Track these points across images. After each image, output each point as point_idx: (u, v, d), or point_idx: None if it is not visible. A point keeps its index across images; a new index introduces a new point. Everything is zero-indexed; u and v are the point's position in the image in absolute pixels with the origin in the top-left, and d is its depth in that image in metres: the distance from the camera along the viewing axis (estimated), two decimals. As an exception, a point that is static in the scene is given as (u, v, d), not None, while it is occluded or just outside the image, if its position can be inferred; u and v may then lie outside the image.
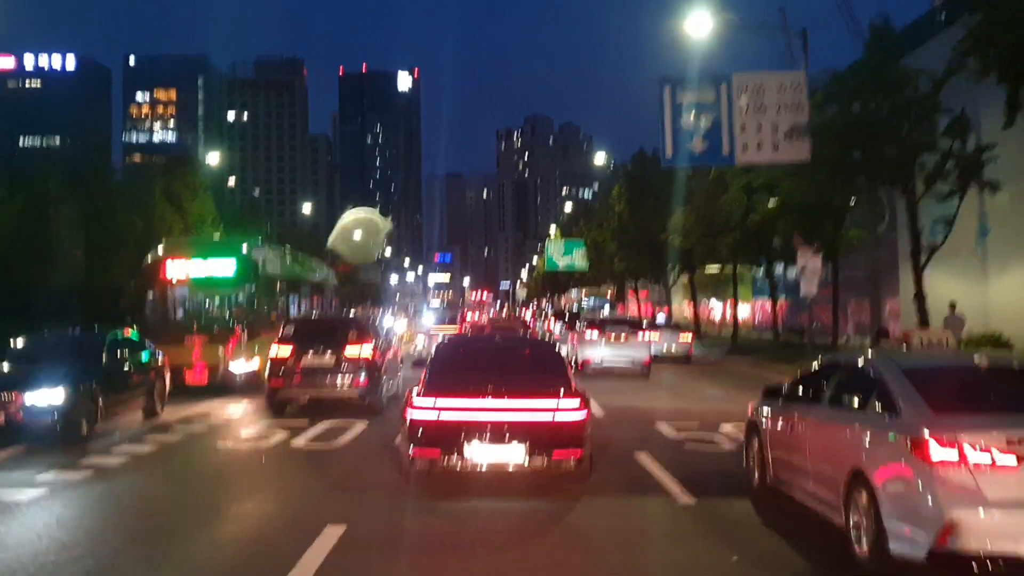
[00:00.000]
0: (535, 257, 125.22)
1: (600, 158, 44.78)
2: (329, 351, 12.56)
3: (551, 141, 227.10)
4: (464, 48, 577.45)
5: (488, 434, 7.15)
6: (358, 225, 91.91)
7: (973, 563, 4.49)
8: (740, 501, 6.99)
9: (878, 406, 5.30)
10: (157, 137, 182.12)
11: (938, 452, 4.61)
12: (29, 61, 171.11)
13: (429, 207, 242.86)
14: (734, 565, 5.42)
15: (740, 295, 39.50)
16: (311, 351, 12.59)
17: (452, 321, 33.53)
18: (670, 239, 30.85)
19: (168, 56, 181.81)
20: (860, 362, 5.91)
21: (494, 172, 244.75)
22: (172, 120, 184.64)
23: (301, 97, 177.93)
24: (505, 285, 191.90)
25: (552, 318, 39.50)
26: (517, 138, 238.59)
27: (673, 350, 23.75)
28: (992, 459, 4.51)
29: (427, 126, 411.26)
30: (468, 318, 40.59)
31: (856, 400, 5.64)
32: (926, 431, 4.70)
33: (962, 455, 4.56)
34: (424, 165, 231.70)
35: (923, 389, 5.09)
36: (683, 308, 47.99)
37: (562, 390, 7.45)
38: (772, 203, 21.10)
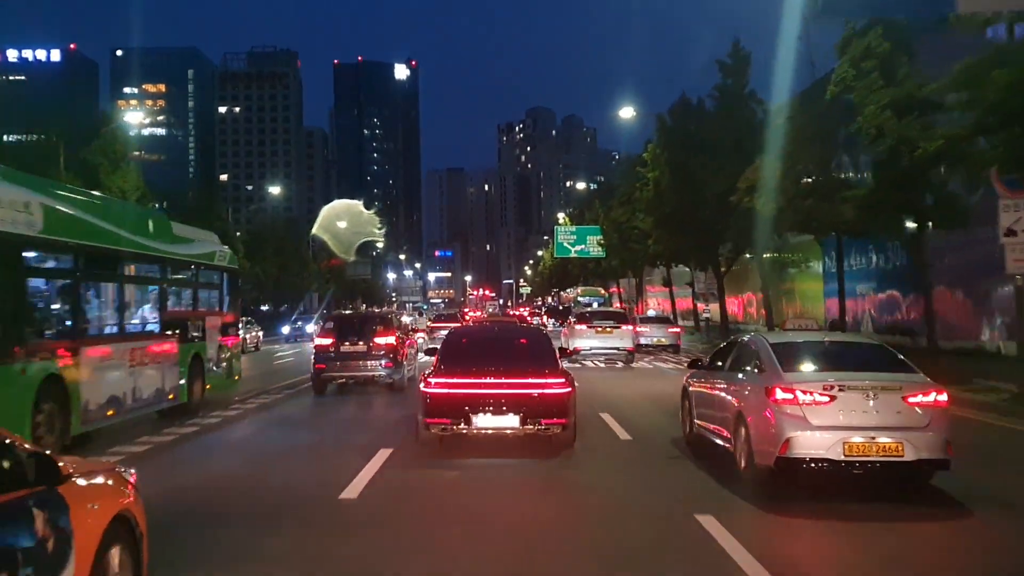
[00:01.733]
0: (540, 251, 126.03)
1: (627, 112, 34.51)
2: (362, 341, 16.44)
3: (554, 134, 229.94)
4: (462, 39, 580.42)
5: (489, 406, 9.22)
6: (342, 215, 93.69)
7: (804, 463, 7.42)
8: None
9: (753, 369, 8.26)
10: (146, 132, 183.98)
11: (781, 396, 7.53)
12: (12, 54, 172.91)
13: (429, 202, 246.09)
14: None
15: (801, 289, 33.80)
16: (347, 341, 16.48)
17: (452, 319, 37.47)
18: (745, 203, 23.15)
19: (157, 49, 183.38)
20: (747, 340, 8.91)
21: (495, 166, 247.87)
22: (161, 114, 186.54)
23: (295, 89, 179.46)
24: (508, 282, 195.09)
25: (546, 315, 44.36)
26: (519, 131, 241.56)
27: (664, 340, 27.24)
28: (814, 399, 7.43)
29: (426, 119, 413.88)
30: (468, 316, 44.04)
31: (743, 366, 8.60)
32: (775, 382, 7.64)
33: (795, 397, 7.48)
34: (423, 159, 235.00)
35: (780, 357, 8.04)
36: (743, 302, 41.79)
37: (550, 371, 9.55)
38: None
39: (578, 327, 24.16)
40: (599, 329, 23.62)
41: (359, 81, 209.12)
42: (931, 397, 7.43)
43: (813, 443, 7.34)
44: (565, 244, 56.14)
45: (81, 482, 3.85)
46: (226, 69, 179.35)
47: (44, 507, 3.48)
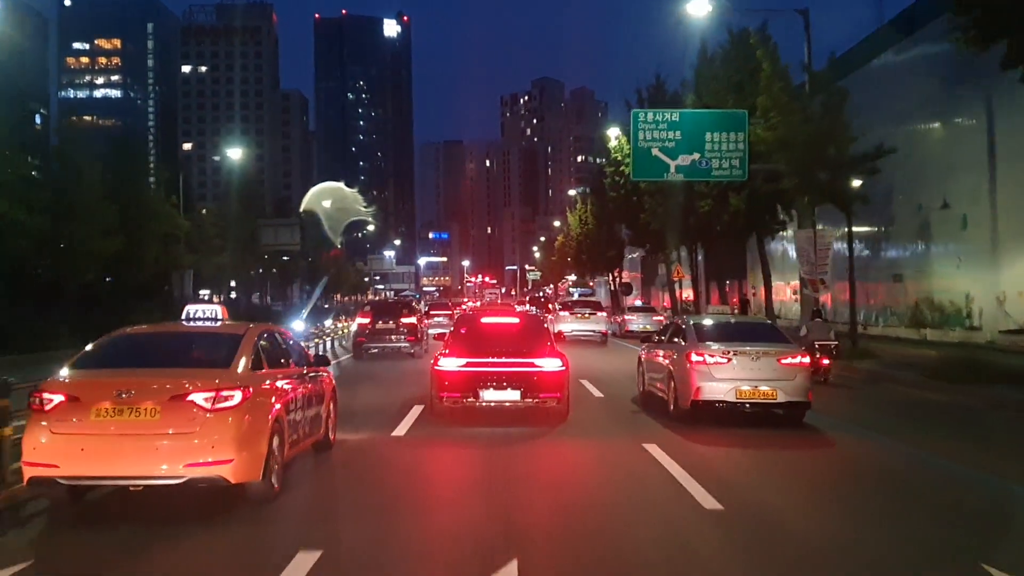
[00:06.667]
0: (556, 222, 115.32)
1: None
2: (392, 320, 25.12)
3: (562, 107, 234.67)
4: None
5: (494, 383, 12.35)
6: (326, 195, 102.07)
7: (711, 405, 12.67)
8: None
9: (681, 340, 13.56)
10: (99, 93, 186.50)
11: (695, 358, 12.78)
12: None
13: (422, 178, 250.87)
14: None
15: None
16: (381, 320, 25.19)
17: (445, 308, 44.26)
18: None
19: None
20: (679, 321, 14.26)
21: (498, 140, 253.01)
22: (117, 74, 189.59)
23: (270, 47, 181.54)
24: (511, 268, 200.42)
25: (529, 303, 55.23)
26: (524, 103, 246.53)
27: (649, 327, 33.59)
28: (716, 360, 12.67)
29: (419, 84, 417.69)
30: (463, 307, 50.15)
31: (675, 338, 13.91)
32: (691, 349, 12.92)
33: (705, 359, 12.73)
34: (416, 129, 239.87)
35: (699, 332, 13.35)
36: None
37: (546, 352, 12.82)
38: None
39: (562, 313, 33.09)
40: (579, 316, 32.62)
41: (343, 38, 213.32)
42: (797, 360, 12.69)
43: (716, 390, 12.61)
44: (656, 153, 28.31)
45: (324, 366, 10.15)
46: (191, 23, 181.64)
47: (322, 376, 9.85)
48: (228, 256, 55.40)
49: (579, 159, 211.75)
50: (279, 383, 8.32)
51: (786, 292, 41.14)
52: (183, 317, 9.32)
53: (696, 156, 27.79)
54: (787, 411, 12.84)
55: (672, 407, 13.35)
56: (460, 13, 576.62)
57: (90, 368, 7.59)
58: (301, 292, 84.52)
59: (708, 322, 14.13)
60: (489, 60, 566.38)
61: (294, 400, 8.62)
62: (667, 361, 13.78)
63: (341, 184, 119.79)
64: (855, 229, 25.63)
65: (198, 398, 7.06)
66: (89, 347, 8.06)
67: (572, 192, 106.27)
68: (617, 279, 69.10)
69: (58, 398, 7.05)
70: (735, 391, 12.53)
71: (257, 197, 76.63)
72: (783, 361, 12.65)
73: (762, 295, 34.01)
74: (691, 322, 13.91)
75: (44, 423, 7.01)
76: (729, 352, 12.71)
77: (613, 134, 48.15)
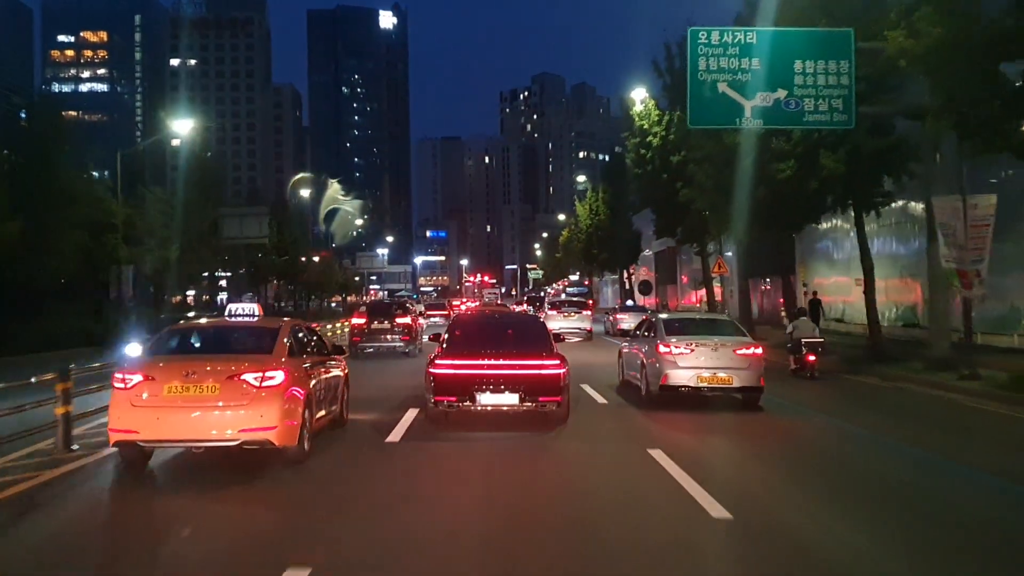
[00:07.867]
0: (561, 216, 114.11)
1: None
2: (387, 320, 26.88)
3: (563, 102, 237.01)
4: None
5: (491, 385, 12.24)
6: (303, 184, 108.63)
7: (676, 389, 15.05)
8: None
9: (652, 334, 15.95)
10: (85, 87, 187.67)
11: (663, 349, 15.14)
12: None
13: (419, 175, 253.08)
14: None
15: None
16: (376, 320, 26.90)
17: (442, 308, 46.56)
18: None
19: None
20: (652, 318, 16.69)
21: (497, 136, 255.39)
22: (103, 67, 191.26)
23: (262, 39, 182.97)
24: (511, 267, 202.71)
25: (526, 302, 59.80)
26: (524, 99, 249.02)
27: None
28: (681, 351, 15.04)
29: (416, 78, 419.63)
30: (461, 306, 52.95)
31: (648, 333, 16.31)
32: (659, 341, 15.31)
33: (671, 350, 15.07)
34: (413, 125, 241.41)
35: (668, 326, 15.75)
36: None
37: (545, 353, 12.76)
38: None
39: (550, 312, 37.06)
40: (566, 314, 36.81)
41: (336, 30, 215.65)
42: (751, 350, 15.05)
43: (680, 377, 14.99)
44: (724, 90, 20.25)
45: (340, 355, 12.55)
46: (180, 14, 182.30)
47: (339, 363, 12.30)
48: (177, 250, 46.15)
49: (581, 155, 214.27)
50: (309, 367, 10.65)
51: (849, 291, 32.74)
52: (226, 314, 11.74)
53: (781, 94, 20.27)
54: (743, 395, 15.20)
55: (644, 392, 15.74)
56: (458, 6, 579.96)
57: (160, 354, 10.05)
58: (279, 292, 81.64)
59: (675, 318, 16.57)
60: (488, 55, 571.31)
61: (319, 382, 10.94)
62: (641, 352, 16.19)
63: (335, 191, 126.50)
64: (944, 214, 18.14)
65: (249, 377, 9.32)
66: (156, 338, 10.47)
67: (581, 179, 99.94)
68: (632, 276, 65.55)
69: (137, 378, 9.41)
70: (696, 377, 14.92)
71: (221, 183, 69.05)
72: (739, 352, 15.02)
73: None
74: (661, 318, 16.39)
75: (126, 398, 9.36)
76: (692, 344, 15.10)
77: (639, 96, 41.74)
